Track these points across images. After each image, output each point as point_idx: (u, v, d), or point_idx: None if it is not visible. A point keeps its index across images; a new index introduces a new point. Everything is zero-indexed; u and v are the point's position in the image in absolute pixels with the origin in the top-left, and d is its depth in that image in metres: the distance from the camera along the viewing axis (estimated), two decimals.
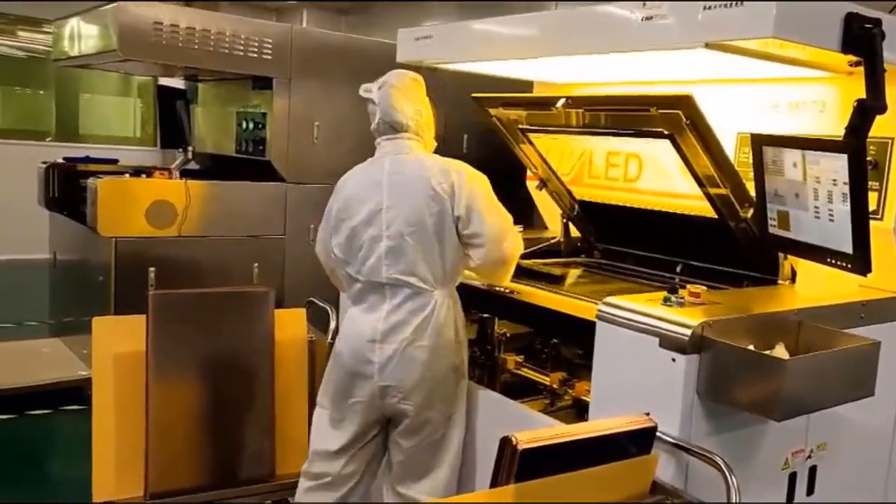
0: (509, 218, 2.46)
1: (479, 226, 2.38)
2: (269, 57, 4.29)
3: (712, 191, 2.49)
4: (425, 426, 2.41)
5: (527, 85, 3.43)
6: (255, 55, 4.24)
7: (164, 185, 4.20)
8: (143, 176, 4.32)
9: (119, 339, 2.59)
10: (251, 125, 4.55)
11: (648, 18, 2.11)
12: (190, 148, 4.58)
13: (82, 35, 4.33)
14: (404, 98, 2.47)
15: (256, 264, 4.38)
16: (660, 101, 2.35)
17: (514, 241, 2.46)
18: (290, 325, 2.84)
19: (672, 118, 2.33)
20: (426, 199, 2.37)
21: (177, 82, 5.09)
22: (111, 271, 3.99)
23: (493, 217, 2.41)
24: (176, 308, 2.64)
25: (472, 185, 2.40)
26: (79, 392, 3.95)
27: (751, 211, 2.43)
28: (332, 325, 2.85)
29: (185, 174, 4.42)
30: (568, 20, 2.48)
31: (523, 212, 3.74)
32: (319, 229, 2.62)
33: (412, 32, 2.99)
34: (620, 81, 3.06)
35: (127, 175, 4.31)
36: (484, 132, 4.54)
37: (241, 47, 4.22)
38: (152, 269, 4.05)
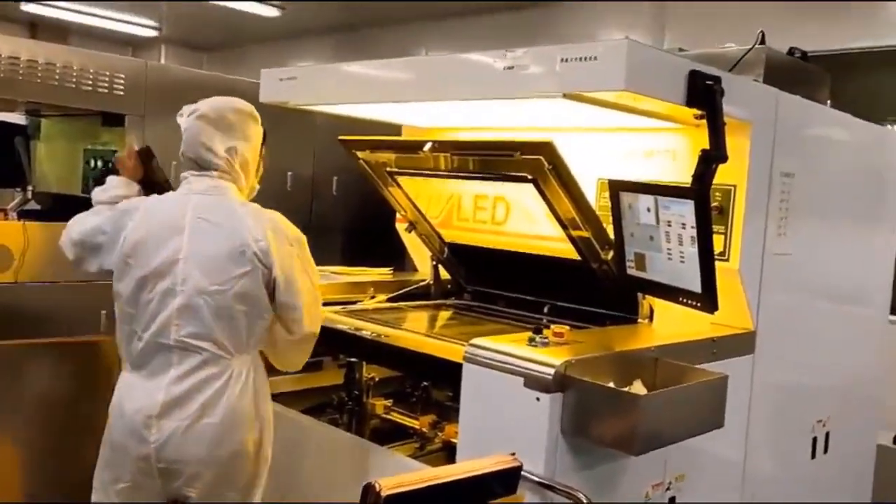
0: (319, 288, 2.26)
1: (298, 295, 2.12)
2: (121, 92, 4.07)
3: (575, 233, 2.59)
4: None
5: (396, 128, 3.45)
6: (106, 90, 4.01)
7: None
8: None
9: None
10: (100, 163, 4.28)
11: (510, 68, 2.17)
12: (30, 187, 4.24)
13: None
14: (215, 132, 2.15)
15: (104, 311, 4.07)
16: (523, 147, 2.42)
17: (321, 315, 2.25)
18: None
19: (534, 163, 2.40)
20: (234, 255, 2.06)
21: (16, 117, 4.72)
22: None
23: (311, 286, 2.17)
24: (3, 361, 2.38)
25: (293, 246, 2.14)
26: None
27: (611, 253, 2.53)
28: None
29: (24, 215, 4.07)
30: (434, 66, 2.52)
31: (393, 254, 3.74)
32: (83, 225, 2.30)
33: (276, 73, 2.93)
34: (487, 127, 3.14)
35: None
36: (355, 175, 4.53)
37: (90, 82, 3.98)
38: None
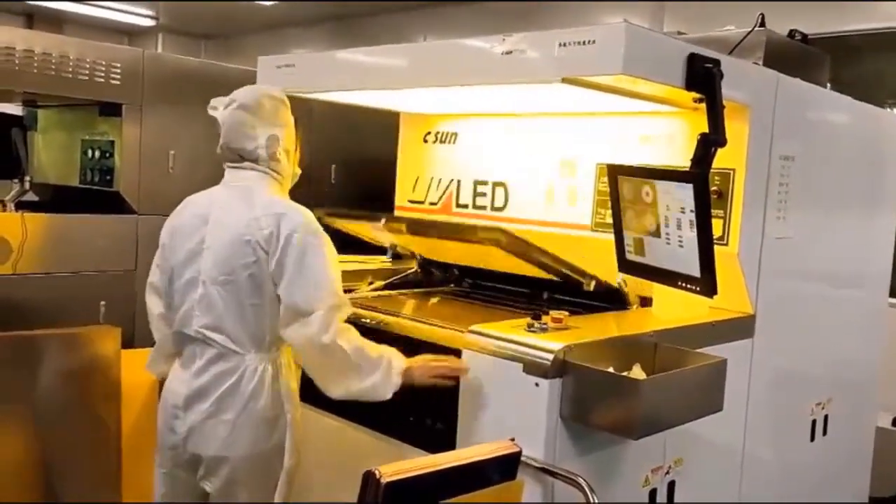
0: (341, 295, 2.04)
1: (293, 294, 1.97)
2: (118, 82, 4.06)
3: (553, 269, 2.61)
4: None
5: (394, 115, 3.44)
6: (103, 80, 3.99)
7: None
8: None
9: None
10: (97, 154, 4.26)
11: (508, 53, 2.16)
12: (27, 178, 4.23)
13: None
14: (256, 121, 2.10)
15: (103, 302, 4.07)
16: (478, 233, 2.50)
17: (339, 327, 1.98)
18: (139, 365, 2.64)
19: (494, 240, 2.42)
20: (240, 245, 1.99)
21: (13, 108, 4.71)
22: None
23: (317, 288, 1.98)
24: (1, 353, 2.38)
25: (301, 241, 1.98)
26: None
27: (593, 282, 2.57)
28: None
29: (22, 206, 4.07)
30: (432, 52, 2.52)
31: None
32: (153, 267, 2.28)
33: (273, 60, 2.93)
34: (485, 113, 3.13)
35: None
36: (353, 163, 4.51)
37: (87, 72, 3.96)
38: None
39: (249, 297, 2.01)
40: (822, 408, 3.07)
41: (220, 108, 2.15)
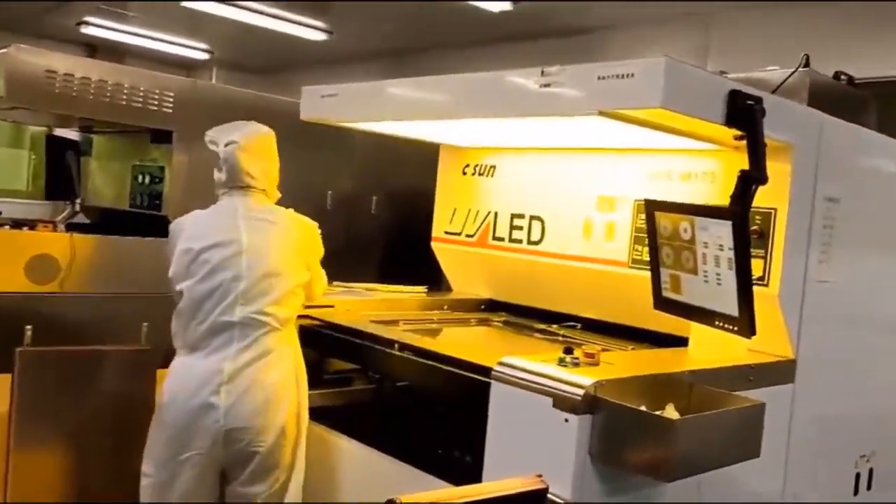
0: None
1: (317, 281, 2.64)
2: (170, 110, 4.18)
3: None
4: (272, 471, 2.39)
5: (435, 147, 3.47)
6: (156, 108, 4.12)
7: (45, 238, 3.93)
8: (25, 228, 4.06)
9: None
10: (147, 179, 4.39)
11: (546, 86, 2.17)
12: (78, 200, 4.36)
13: None
14: (252, 157, 2.55)
15: (146, 323, 4.14)
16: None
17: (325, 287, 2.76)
18: None
19: None
20: (285, 248, 2.52)
21: (71, 133, 4.88)
22: None
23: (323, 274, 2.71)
24: (46, 367, 2.46)
25: (319, 243, 2.65)
26: None
27: None
28: None
29: (72, 227, 4.18)
30: (472, 85, 2.53)
31: (429, 274, 3.75)
32: (170, 276, 2.59)
33: (317, 90, 2.99)
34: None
35: (7, 227, 4.04)
36: (394, 194, 4.55)
37: (140, 99, 4.09)
38: (29, 327, 3.76)
39: (290, 286, 2.49)
40: (867, 461, 2.94)
41: (220, 146, 2.56)
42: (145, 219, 4.36)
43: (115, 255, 4.08)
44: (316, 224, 2.67)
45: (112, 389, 2.55)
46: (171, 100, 4.16)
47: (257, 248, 2.48)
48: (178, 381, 2.40)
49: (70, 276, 3.90)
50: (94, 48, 10.29)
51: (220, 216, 2.55)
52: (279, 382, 2.41)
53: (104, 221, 4.77)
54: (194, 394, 2.34)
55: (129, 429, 2.53)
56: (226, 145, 2.54)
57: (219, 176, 2.59)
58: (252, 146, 2.56)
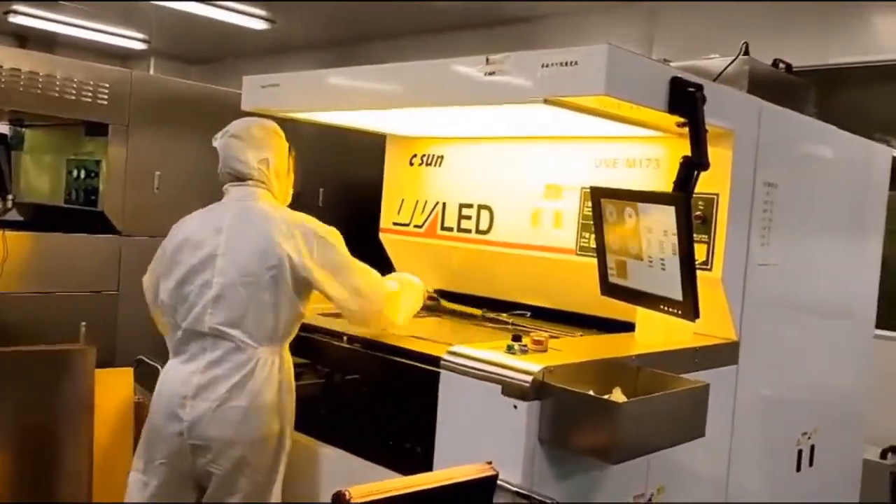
0: (368, 269, 2.47)
1: (333, 287, 2.34)
2: (105, 102, 4.05)
3: None
4: (234, 493, 2.26)
5: (381, 137, 3.43)
6: (90, 100, 3.98)
7: None
8: None
9: None
10: (83, 173, 4.24)
11: (491, 74, 2.16)
12: (10, 197, 4.19)
13: None
14: (246, 147, 2.43)
15: (84, 323, 4.01)
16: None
17: (380, 291, 2.45)
18: (115, 385, 2.62)
19: None
20: (265, 252, 2.28)
21: (1, 126, 4.69)
22: None
23: (355, 276, 2.39)
24: None
25: (324, 245, 2.35)
26: None
27: None
28: None
29: (4, 225, 4.02)
30: (416, 73, 2.50)
31: (379, 265, 3.71)
32: (148, 270, 2.50)
33: (258, 80, 2.92)
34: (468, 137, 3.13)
35: None
36: (340, 186, 4.49)
37: (74, 91, 3.95)
38: None
39: (267, 296, 2.27)
40: (809, 438, 3.03)
41: (218, 139, 2.47)
42: (82, 214, 4.22)
43: (50, 253, 3.94)
44: (333, 229, 2.43)
45: (49, 391, 2.45)
46: (106, 91, 4.03)
47: (235, 251, 2.29)
48: (160, 384, 2.34)
49: (3, 275, 3.75)
50: (24, 38, 9.90)
51: (209, 214, 2.43)
52: (248, 403, 2.23)
53: (38, 218, 4.61)
54: (167, 402, 2.28)
55: (65, 430, 2.45)
56: (221, 137, 2.47)
57: (219, 172, 2.48)
58: (245, 134, 2.44)
